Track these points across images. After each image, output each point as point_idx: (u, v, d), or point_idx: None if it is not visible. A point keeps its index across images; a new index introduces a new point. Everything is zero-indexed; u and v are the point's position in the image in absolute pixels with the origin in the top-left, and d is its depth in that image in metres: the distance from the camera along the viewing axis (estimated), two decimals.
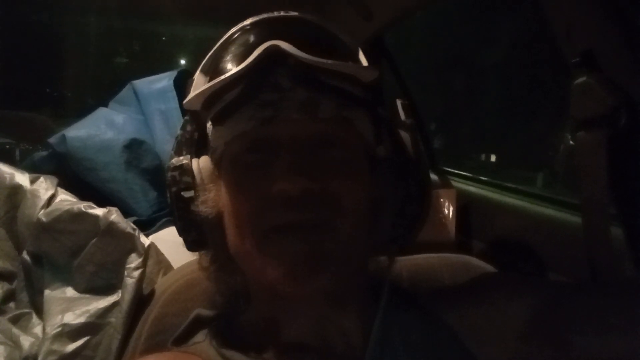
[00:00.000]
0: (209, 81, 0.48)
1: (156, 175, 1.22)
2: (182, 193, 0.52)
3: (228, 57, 0.48)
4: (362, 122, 0.50)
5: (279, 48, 0.44)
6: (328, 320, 0.50)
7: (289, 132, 0.46)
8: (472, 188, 1.38)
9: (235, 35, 0.50)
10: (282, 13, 0.51)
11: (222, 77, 0.46)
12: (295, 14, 0.51)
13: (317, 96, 0.46)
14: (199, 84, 0.50)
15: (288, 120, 0.46)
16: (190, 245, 0.55)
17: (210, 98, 0.49)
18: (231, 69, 0.46)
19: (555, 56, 0.73)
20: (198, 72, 0.52)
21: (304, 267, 0.45)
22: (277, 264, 0.46)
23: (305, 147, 0.46)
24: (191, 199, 0.51)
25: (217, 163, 0.52)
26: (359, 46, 0.52)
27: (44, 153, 1.25)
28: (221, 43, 0.51)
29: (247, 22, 0.51)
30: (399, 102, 0.56)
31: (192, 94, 0.49)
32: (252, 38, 0.48)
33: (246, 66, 0.45)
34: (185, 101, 0.50)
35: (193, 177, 0.52)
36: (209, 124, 0.52)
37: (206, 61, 0.51)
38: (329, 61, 0.45)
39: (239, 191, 0.48)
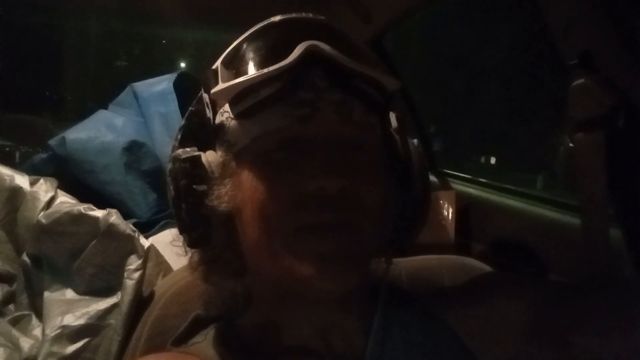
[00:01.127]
0: (236, 74, 0.48)
1: (156, 177, 1.22)
2: (194, 186, 0.49)
3: (263, 52, 0.48)
4: (380, 127, 0.51)
5: (319, 48, 0.45)
6: (329, 322, 0.50)
7: (324, 131, 0.46)
8: (472, 190, 1.38)
9: (263, 31, 0.50)
10: (310, 15, 0.52)
11: (263, 71, 0.45)
12: (322, 17, 0.52)
13: (350, 98, 0.47)
14: (225, 76, 0.49)
15: (324, 119, 0.46)
16: (193, 243, 0.52)
17: (243, 91, 0.47)
18: (268, 64, 0.45)
19: (555, 58, 0.73)
20: (220, 64, 0.50)
21: (335, 266, 0.45)
22: (308, 263, 0.45)
23: (339, 147, 0.46)
24: (203, 193, 0.49)
25: (238, 157, 0.49)
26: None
27: (44, 155, 1.25)
28: (248, 37, 0.50)
29: (276, 18, 0.51)
30: (393, 115, 0.56)
31: (224, 85, 0.47)
32: (286, 35, 0.48)
33: (288, 63, 0.44)
34: (214, 91, 0.48)
35: (205, 170, 0.50)
36: (225, 117, 0.50)
37: (230, 53, 0.51)
38: (364, 66, 0.46)
39: (270, 189, 0.46)
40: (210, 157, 0.51)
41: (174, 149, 0.52)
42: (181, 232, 0.52)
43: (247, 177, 0.48)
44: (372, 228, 0.47)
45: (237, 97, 0.48)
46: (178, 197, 0.50)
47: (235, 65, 0.49)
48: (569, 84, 0.67)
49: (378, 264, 0.55)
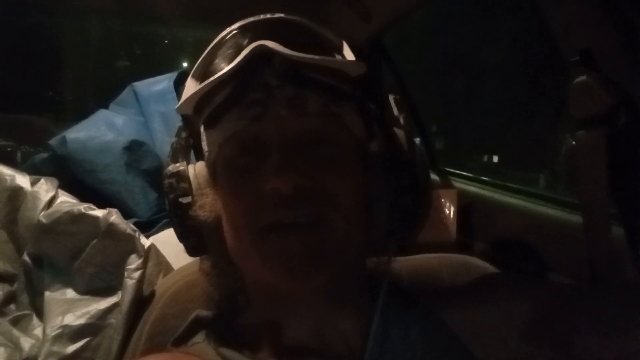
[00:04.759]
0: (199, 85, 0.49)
1: (156, 176, 1.23)
2: (179, 199, 0.52)
3: (217, 61, 0.49)
4: (352, 117, 0.50)
5: (266, 47, 0.45)
6: (327, 321, 0.50)
7: (278, 129, 0.46)
8: (473, 188, 1.38)
9: (223, 40, 0.51)
10: (267, 16, 0.52)
11: (211, 79, 0.46)
12: (281, 15, 0.52)
13: (304, 92, 0.46)
14: (190, 89, 0.50)
15: (277, 117, 0.46)
16: (191, 251, 0.55)
17: (201, 101, 0.49)
18: (220, 71, 0.47)
19: (556, 56, 0.73)
20: (189, 78, 0.52)
21: (300, 264, 0.45)
22: (273, 262, 0.46)
23: (295, 144, 0.46)
24: (189, 205, 0.52)
25: (211, 166, 0.52)
26: (344, 41, 0.53)
27: (45, 155, 1.26)
28: (210, 48, 0.51)
29: (234, 26, 0.52)
30: (391, 98, 0.57)
31: (183, 98, 0.50)
32: (239, 41, 0.49)
33: (234, 67, 0.45)
34: (177, 106, 0.51)
35: (189, 183, 0.53)
36: (202, 129, 0.52)
37: (196, 67, 0.52)
38: (314, 57, 0.46)
39: (234, 193, 0.48)
40: (198, 169, 0.54)
41: (167, 164, 0.55)
42: (179, 241, 0.55)
43: (220, 185, 0.50)
44: (343, 222, 0.47)
45: (198, 107, 0.50)
46: (170, 210, 0.53)
47: (199, 77, 0.51)
48: (569, 82, 0.67)
49: (375, 262, 0.55)
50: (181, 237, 0.54)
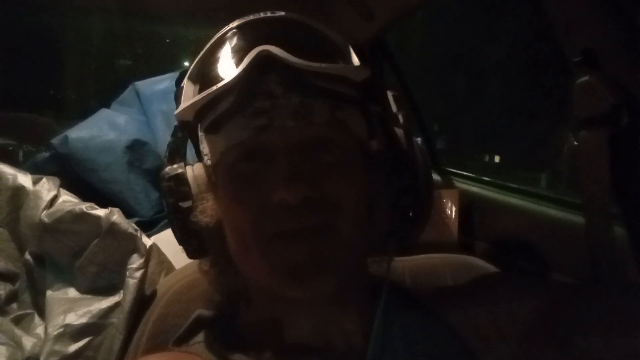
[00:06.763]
0: (199, 89, 0.48)
1: (158, 176, 1.23)
2: (179, 203, 0.51)
3: (218, 64, 0.48)
4: (356, 120, 0.49)
5: (270, 53, 0.44)
6: (329, 321, 0.50)
7: (284, 139, 0.45)
8: (475, 188, 1.38)
9: (222, 40, 0.49)
10: (268, 14, 0.50)
11: (215, 87, 0.45)
12: (282, 13, 0.50)
13: (310, 101, 0.45)
14: (189, 93, 0.49)
15: (281, 127, 0.45)
16: (191, 254, 0.54)
17: (203, 108, 0.48)
18: (222, 77, 0.45)
19: (558, 55, 0.72)
20: (186, 79, 0.51)
21: (308, 272, 0.45)
22: (281, 270, 0.45)
23: (301, 153, 0.45)
24: (189, 209, 0.51)
25: (212, 171, 0.51)
26: (349, 43, 0.51)
27: (47, 154, 1.26)
28: (208, 48, 0.50)
29: (234, 24, 0.50)
30: (390, 94, 0.56)
31: (184, 105, 0.48)
32: (240, 43, 0.47)
33: (238, 74, 0.44)
34: (176, 112, 0.50)
35: (189, 186, 0.51)
36: (201, 133, 0.51)
37: (194, 68, 0.50)
38: (321, 65, 0.45)
39: (238, 200, 0.47)
40: (197, 171, 0.53)
41: (164, 166, 0.54)
42: (179, 244, 0.54)
43: (222, 190, 0.49)
44: (350, 228, 0.47)
45: (199, 114, 0.49)
46: (169, 214, 0.52)
47: (198, 80, 0.49)
48: (572, 81, 0.67)
49: (377, 263, 0.55)
50: (181, 240, 0.53)
